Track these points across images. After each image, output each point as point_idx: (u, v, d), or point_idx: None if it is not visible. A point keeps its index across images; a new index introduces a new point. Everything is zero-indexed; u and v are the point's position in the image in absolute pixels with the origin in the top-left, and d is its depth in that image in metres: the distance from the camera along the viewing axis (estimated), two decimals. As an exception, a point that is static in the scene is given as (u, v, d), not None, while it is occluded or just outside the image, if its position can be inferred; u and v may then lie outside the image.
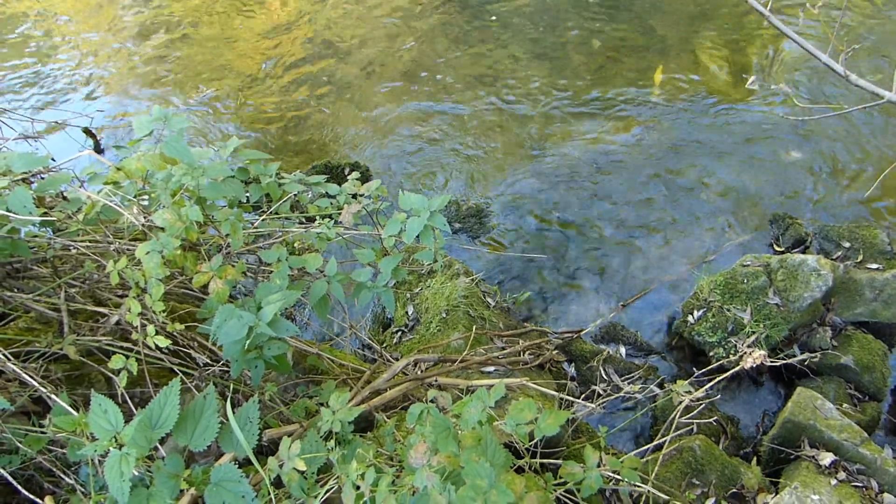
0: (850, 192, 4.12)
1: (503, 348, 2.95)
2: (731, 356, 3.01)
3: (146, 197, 1.96)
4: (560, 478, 1.74)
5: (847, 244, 3.51)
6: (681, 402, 2.34)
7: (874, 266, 3.33)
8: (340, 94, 5.61)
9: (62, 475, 1.75)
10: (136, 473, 1.48)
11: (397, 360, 2.59)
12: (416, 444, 1.40)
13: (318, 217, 2.20)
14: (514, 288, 3.75)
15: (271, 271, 1.95)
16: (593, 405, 2.47)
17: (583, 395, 2.96)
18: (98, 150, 5.01)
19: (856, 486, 2.32)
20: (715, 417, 2.90)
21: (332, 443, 1.70)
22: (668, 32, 5.79)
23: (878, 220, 3.92)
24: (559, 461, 1.85)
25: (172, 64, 6.23)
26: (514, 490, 1.36)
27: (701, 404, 2.54)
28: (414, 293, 3.33)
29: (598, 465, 1.72)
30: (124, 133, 5.36)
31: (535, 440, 1.85)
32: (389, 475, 1.44)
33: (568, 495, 1.88)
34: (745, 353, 2.46)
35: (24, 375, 1.72)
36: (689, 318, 3.25)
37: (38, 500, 1.62)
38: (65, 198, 2.05)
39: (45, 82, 6.12)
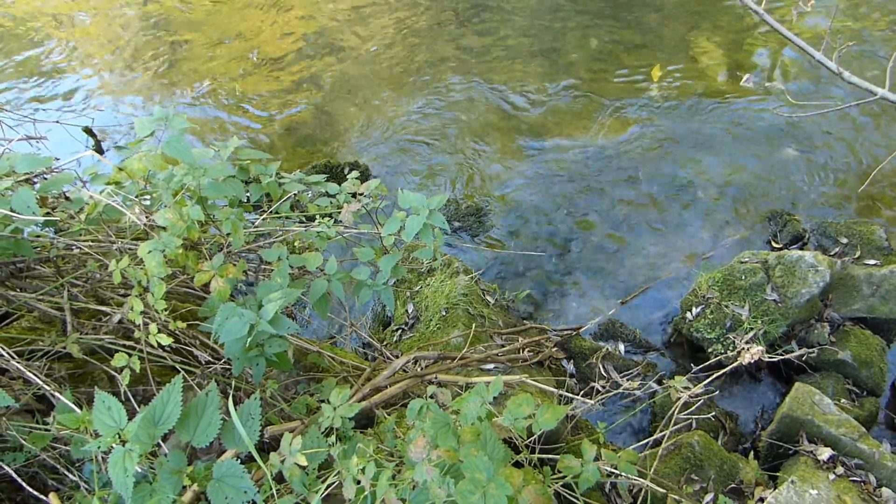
0: (847, 188, 4.14)
1: (502, 345, 2.96)
2: (729, 352, 3.03)
3: (148, 197, 1.98)
4: (558, 472, 1.76)
5: (844, 240, 3.53)
6: (679, 398, 2.35)
7: (872, 262, 3.34)
8: (339, 93, 5.62)
9: (66, 472, 1.76)
10: (140, 470, 1.50)
11: (397, 357, 2.60)
12: (415, 438, 1.41)
13: (318, 216, 2.22)
14: (513, 286, 3.77)
15: (272, 270, 1.97)
16: (592, 402, 2.48)
17: (582, 392, 2.97)
18: (99, 150, 5.02)
19: (854, 481, 2.34)
20: (713, 413, 2.91)
21: (332, 439, 1.72)
22: (666, 31, 5.80)
23: (876, 216, 3.93)
24: (558, 457, 1.86)
25: (171, 63, 6.24)
26: (513, 483, 1.37)
27: (699, 400, 2.55)
28: (414, 291, 3.35)
29: (596, 459, 1.74)
30: (125, 131, 5.37)
31: (534, 436, 1.86)
32: (390, 470, 1.46)
33: (567, 490, 1.90)
34: (743, 349, 2.48)
35: (27, 374, 1.74)
36: (688, 314, 3.26)
37: (42, 496, 1.64)
38: (67, 198, 2.07)
39: (45, 83, 6.14)
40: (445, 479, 1.36)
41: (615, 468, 1.87)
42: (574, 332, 3.28)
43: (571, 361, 3.21)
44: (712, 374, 2.51)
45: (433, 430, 1.50)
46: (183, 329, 1.96)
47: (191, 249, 1.86)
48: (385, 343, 3.19)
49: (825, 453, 2.44)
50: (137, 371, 1.79)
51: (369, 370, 2.45)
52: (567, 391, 2.80)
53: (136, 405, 1.85)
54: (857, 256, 3.42)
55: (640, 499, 2.23)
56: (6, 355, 1.75)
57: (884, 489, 2.32)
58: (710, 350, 3.13)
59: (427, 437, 1.45)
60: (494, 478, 1.33)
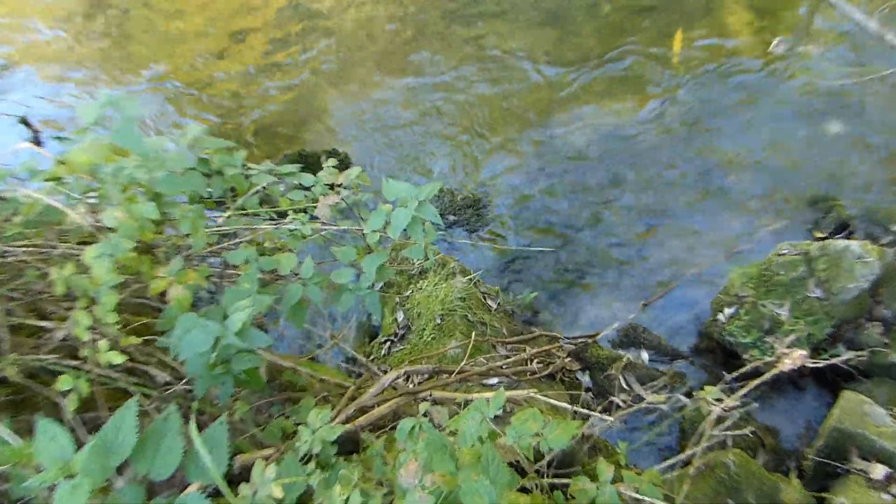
0: (899, 168, 4.16)
1: (507, 357, 2.97)
2: (767, 358, 3.04)
3: (94, 194, 1.98)
4: (572, 497, 1.77)
5: (896, 227, 3.55)
6: (711, 412, 2.36)
7: (927, 251, 3.36)
8: (317, 72, 5.63)
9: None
10: (91, 507, 1.50)
11: (386, 373, 2.61)
12: (406, 462, 1.42)
13: (290, 212, 2.23)
14: (518, 288, 3.77)
15: (239, 275, 1.97)
16: (612, 419, 2.49)
17: (600, 408, 2.98)
18: (37, 142, 5.02)
19: (912, 502, 2.35)
20: (751, 428, 2.92)
21: (312, 466, 1.72)
22: (688, -8, 5.82)
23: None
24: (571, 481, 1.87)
25: (122, 42, 6.24)
26: (519, 511, 1.38)
27: (735, 414, 2.56)
28: (404, 297, 3.35)
29: (615, 482, 1.74)
30: (67, 121, 5.37)
31: (545, 459, 1.87)
32: (378, 499, 1.46)
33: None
34: (784, 353, 2.49)
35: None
36: (720, 316, 3.28)
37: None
38: (1, 198, 2.07)
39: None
40: (442, 508, 1.37)
41: (638, 492, 1.88)
42: (590, 340, 3.29)
43: (587, 373, 3.22)
44: (749, 383, 2.52)
45: (427, 452, 1.50)
46: (137, 345, 1.96)
47: (145, 253, 1.87)
48: (372, 357, 3.20)
49: (879, 471, 2.45)
50: (85, 395, 1.79)
51: (353, 388, 2.45)
52: (582, 407, 2.81)
53: (85, 434, 1.85)
54: (910, 245, 3.44)
55: (669, 527, 2.23)
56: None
57: (945, 511, 2.33)
58: (745, 356, 3.14)
59: (420, 461, 1.45)
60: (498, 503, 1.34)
